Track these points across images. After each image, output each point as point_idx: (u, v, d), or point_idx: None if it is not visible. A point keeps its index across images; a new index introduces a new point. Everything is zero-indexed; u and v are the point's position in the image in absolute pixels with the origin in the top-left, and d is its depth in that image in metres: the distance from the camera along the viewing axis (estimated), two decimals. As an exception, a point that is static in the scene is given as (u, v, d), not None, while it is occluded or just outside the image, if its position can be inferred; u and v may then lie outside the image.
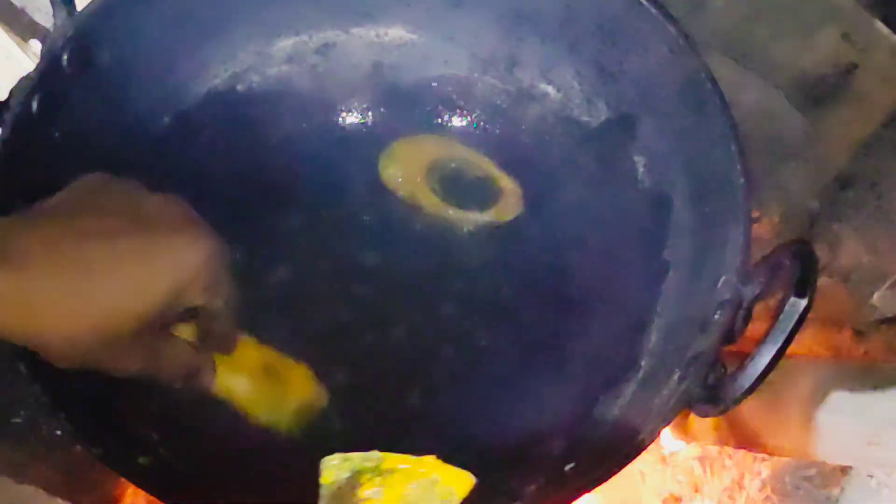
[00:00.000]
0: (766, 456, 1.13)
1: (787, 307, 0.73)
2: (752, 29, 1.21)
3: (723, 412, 0.78)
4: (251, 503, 0.88)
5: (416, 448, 0.76)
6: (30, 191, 0.87)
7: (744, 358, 0.75)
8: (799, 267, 0.74)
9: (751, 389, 0.74)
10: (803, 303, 0.73)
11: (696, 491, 1.15)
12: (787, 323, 0.73)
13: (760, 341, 0.74)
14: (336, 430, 0.97)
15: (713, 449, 1.15)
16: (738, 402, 0.75)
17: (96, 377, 0.78)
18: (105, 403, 0.84)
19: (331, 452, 0.74)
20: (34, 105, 0.89)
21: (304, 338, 1.00)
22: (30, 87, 0.89)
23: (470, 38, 1.07)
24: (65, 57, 0.91)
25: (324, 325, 1.03)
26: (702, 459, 1.14)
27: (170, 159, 1.02)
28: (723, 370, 0.80)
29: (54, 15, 0.92)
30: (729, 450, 1.14)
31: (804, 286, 0.73)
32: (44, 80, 0.90)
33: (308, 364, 0.97)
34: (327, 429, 0.97)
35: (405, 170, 1.08)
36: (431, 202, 1.08)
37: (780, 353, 0.73)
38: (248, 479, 0.91)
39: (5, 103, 0.89)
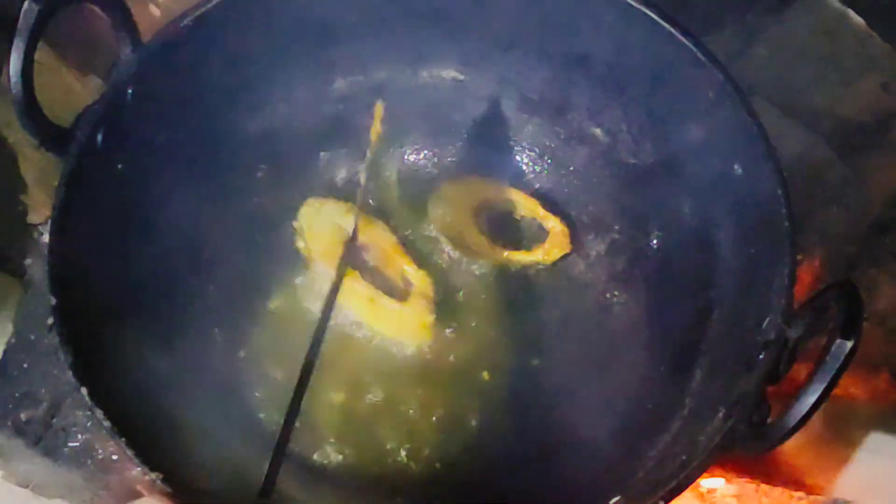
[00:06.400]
0: (802, 494, 1.13)
1: (833, 348, 0.73)
2: (795, 77, 1.23)
3: (768, 450, 0.79)
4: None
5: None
6: (94, 222, 0.91)
7: (788, 397, 0.75)
8: (845, 309, 0.75)
9: (796, 429, 0.75)
10: (849, 344, 0.73)
11: (732, 528, 1.16)
12: (832, 364, 0.73)
13: (806, 382, 0.74)
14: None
15: (750, 486, 1.14)
16: (783, 440, 0.76)
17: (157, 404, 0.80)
18: (166, 428, 0.86)
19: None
20: (99, 137, 0.91)
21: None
22: (95, 118, 0.92)
23: (521, 79, 1.09)
24: (129, 91, 0.94)
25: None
26: (739, 497, 1.14)
27: (225, 191, 1.06)
28: (767, 409, 0.81)
29: (119, 50, 0.95)
30: (766, 487, 1.14)
31: (850, 328, 0.73)
32: (109, 113, 0.93)
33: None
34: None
35: (453, 210, 1.11)
36: (478, 242, 1.10)
37: (825, 394, 0.73)
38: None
39: (70, 133, 0.91)
